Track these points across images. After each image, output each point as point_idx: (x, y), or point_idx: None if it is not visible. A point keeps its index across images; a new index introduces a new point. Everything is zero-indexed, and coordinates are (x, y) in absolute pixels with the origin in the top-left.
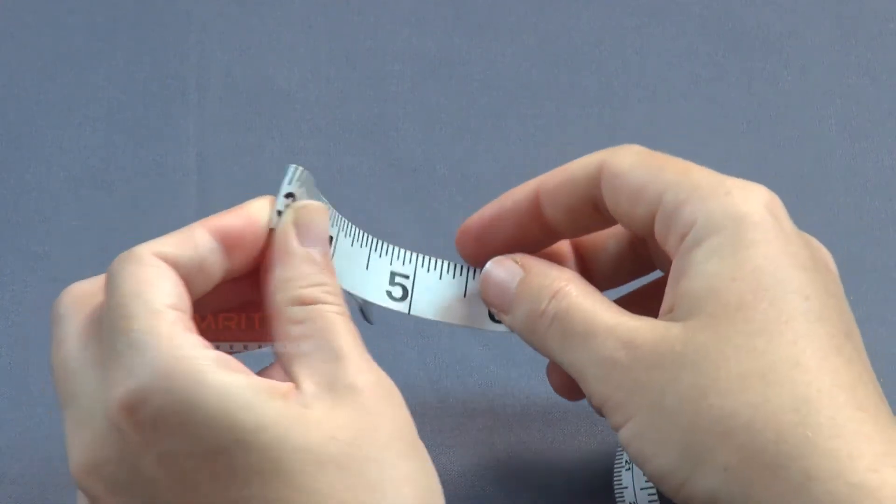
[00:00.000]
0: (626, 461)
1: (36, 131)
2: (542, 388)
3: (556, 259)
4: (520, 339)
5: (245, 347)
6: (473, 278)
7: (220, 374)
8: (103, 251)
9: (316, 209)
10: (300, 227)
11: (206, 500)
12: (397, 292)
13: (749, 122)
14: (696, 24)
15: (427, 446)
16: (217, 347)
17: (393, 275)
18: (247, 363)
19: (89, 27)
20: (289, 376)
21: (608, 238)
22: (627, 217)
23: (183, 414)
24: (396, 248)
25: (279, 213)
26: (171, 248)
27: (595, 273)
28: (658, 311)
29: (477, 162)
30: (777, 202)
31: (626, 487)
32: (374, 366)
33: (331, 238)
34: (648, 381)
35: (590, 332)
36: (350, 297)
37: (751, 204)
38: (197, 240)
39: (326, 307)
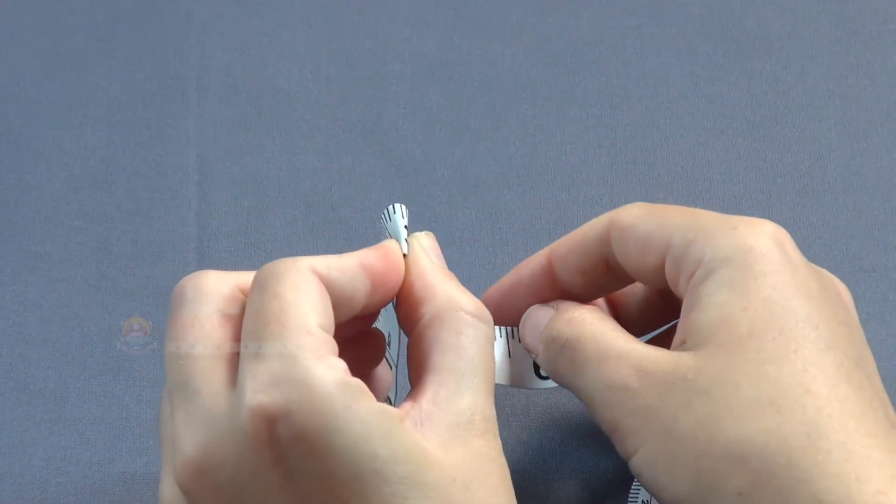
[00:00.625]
0: (644, 502)
1: (36, 131)
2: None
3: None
4: None
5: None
6: (513, 337)
7: (365, 401)
8: (103, 251)
9: (432, 235)
10: (429, 252)
11: None
12: None
13: (749, 122)
14: (696, 24)
15: None
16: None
17: None
18: None
19: (89, 27)
20: (413, 380)
21: (638, 285)
22: (639, 268)
23: (327, 437)
24: None
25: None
26: (335, 272)
27: (626, 320)
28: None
29: (477, 162)
30: (783, 234)
31: None
32: (492, 402)
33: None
34: (660, 407)
35: (602, 357)
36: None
37: (757, 237)
38: (355, 271)
39: (483, 325)
